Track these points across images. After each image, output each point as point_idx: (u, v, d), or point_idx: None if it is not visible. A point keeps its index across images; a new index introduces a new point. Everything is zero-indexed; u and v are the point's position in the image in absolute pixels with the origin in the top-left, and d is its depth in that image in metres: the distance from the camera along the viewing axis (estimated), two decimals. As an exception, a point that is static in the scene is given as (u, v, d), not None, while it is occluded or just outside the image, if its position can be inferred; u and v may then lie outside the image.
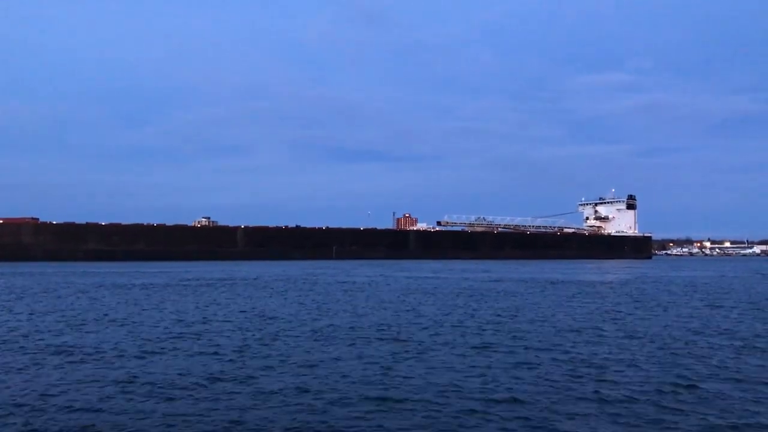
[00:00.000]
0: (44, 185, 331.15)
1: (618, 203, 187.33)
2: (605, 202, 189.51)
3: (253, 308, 29.59)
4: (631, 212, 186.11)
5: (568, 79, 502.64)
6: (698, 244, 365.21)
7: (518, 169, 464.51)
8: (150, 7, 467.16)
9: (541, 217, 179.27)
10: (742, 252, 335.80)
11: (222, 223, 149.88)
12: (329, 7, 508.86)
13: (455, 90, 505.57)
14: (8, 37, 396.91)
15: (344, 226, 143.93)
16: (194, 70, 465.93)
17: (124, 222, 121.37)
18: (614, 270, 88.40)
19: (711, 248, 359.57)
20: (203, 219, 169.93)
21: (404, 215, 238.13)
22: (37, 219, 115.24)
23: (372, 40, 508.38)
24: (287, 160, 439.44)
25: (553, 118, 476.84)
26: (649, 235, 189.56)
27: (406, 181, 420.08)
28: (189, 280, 53.55)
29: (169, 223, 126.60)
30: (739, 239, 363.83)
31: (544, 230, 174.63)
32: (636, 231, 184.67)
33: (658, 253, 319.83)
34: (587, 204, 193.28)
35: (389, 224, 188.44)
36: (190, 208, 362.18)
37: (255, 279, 55.55)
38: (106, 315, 26.64)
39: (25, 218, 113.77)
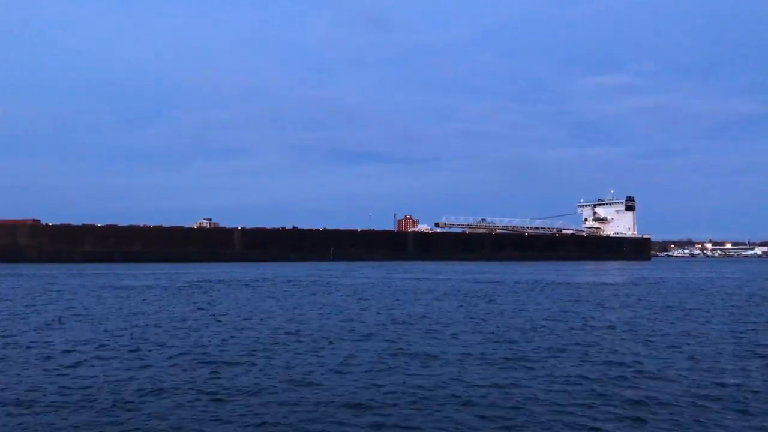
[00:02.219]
0: (46, 187, 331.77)
1: (617, 204, 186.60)
2: (604, 204, 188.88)
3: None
4: (629, 213, 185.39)
5: (570, 81, 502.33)
6: (699, 246, 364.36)
7: (520, 170, 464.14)
8: (151, 9, 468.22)
9: (539, 219, 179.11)
10: (743, 253, 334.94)
11: (224, 224, 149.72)
12: (330, 9, 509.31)
13: (456, 92, 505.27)
14: (10, 38, 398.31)
15: (342, 227, 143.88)
16: (195, 72, 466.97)
17: (122, 224, 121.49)
18: (610, 272, 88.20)
19: (712, 250, 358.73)
20: (204, 220, 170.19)
21: (405, 216, 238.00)
22: (38, 220, 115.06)
23: (373, 42, 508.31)
24: (288, 162, 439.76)
25: (555, 119, 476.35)
26: (648, 236, 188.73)
27: (407, 183, 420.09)
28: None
29: (170, 224, 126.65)
30: (740, 240, 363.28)
31: (542, 231, 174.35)
32: (635, 232, 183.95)
33: (660, 254, 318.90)
34: (586, 205, 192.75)
35: (390, 226, 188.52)
36: (191, 210, 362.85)
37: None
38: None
39: (26, 219, 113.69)
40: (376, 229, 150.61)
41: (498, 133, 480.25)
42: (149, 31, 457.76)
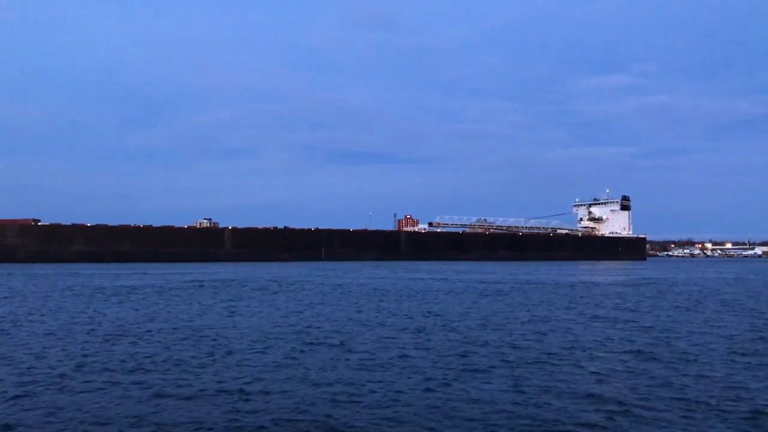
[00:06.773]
0: (48, 187, 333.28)
1: (612, 204, 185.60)
2: (599, 203, 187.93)
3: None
4: (625, 213, 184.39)
5: (573, 81, 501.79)
6: (700, 246, 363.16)
7: (522, 171, 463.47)
8: (153, 10, 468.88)
9: (534, 218, 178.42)
10: (743, 253, 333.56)
11: (224, 225, 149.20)
12: (335, 10, 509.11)
13: (460, 93, 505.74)
14: (13, 39, 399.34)
15: (342, 227, 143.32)
16: (198, 73, 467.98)
17: (112, 223, 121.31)
18: (600, 273, 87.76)
19: (712, 249, 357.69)
20: (204, 220, 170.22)
21: (405, 216, 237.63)
22: (39, 220, 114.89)
23: (377, 44, 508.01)
24: (290, 162, 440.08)
25: (558, 120, 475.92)
26: (644, 236, 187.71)
27: (409, 183, 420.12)
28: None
29: (169, 225, 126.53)
30: (740, 240, 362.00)
31: (537, 231, 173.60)
32: (630, 232, 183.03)
33: (660, 254, 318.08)
34: (581, 205, 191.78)
35: (390, 225, 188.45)
36: (192, 210, 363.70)
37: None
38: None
39: (26, 219, 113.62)
40: (373, 229, 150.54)
41: (500, 133, 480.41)
42: (150, 32, 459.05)
